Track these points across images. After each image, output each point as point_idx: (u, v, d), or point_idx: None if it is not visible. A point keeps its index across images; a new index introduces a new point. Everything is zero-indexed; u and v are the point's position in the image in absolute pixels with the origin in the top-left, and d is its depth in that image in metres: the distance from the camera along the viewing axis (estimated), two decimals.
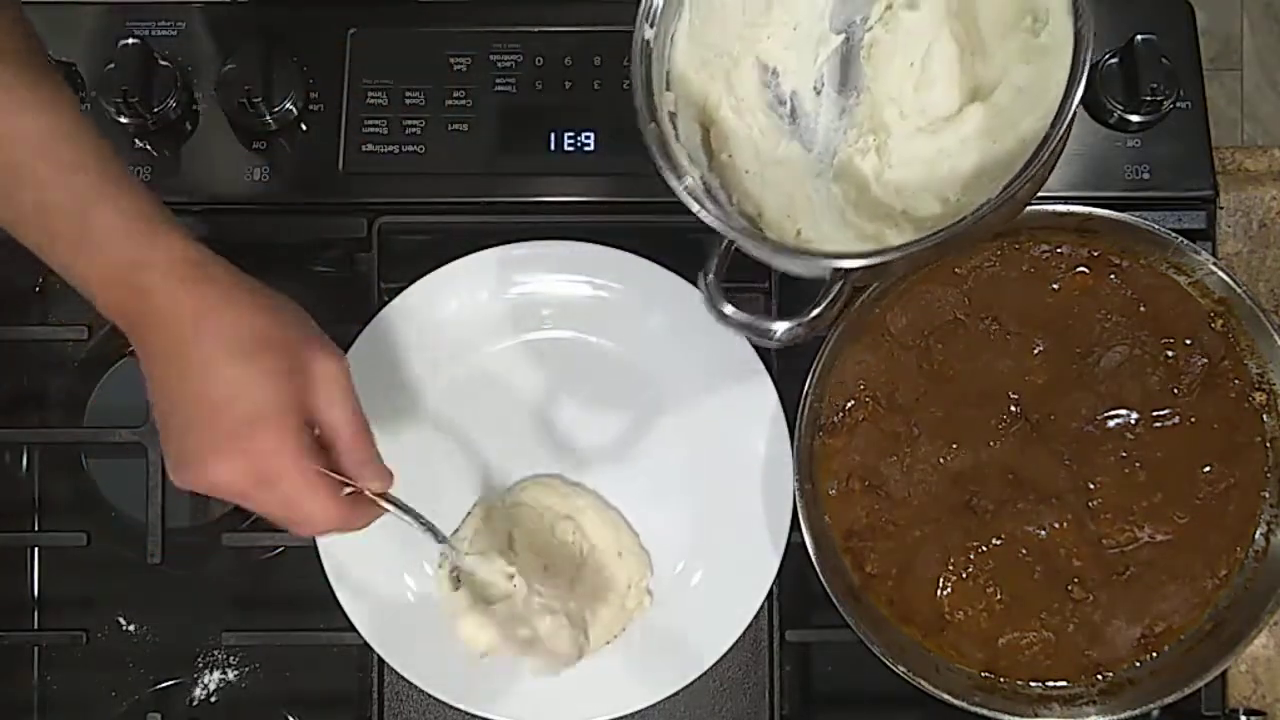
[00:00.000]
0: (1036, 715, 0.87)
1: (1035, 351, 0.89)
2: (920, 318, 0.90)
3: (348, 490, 0.73)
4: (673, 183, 0.70)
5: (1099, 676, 0.89)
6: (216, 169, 0.94)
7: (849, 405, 0.89)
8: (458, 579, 0.86)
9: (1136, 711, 0.86)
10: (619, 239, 0.93)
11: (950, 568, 0.89)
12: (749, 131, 0.77)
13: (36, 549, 1.00)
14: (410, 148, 0.94)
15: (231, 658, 0.99)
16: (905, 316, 0.90)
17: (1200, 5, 0.95)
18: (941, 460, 0.89)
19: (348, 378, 0.73)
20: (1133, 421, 0.89)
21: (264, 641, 0.98)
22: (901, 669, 0.85)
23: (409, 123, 0.94)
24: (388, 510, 0.77)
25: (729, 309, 0.71)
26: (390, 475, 0.75)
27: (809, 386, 0.86)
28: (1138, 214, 0.87)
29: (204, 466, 0.70)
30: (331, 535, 0.78)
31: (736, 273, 0.96)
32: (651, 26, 0.72)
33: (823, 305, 0.70)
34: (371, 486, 0.74)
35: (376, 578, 0.92)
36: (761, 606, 0.91)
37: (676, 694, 0.90)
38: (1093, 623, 0.88)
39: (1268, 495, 0.89)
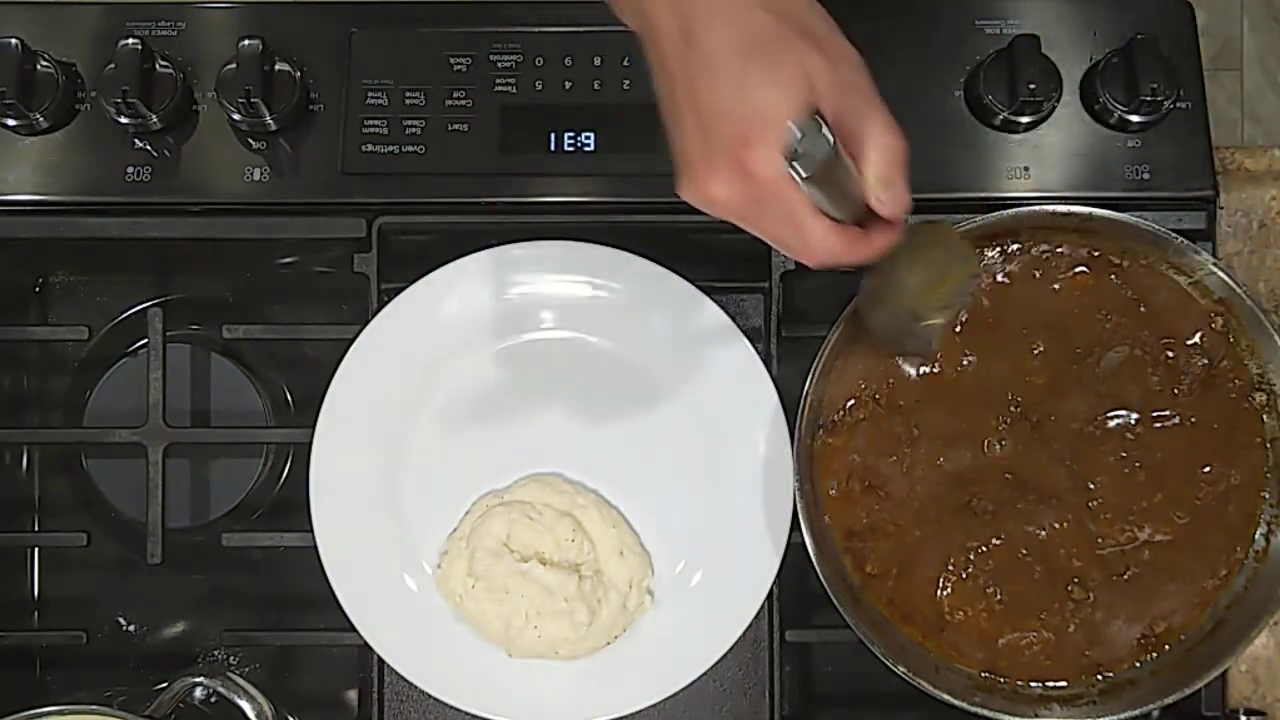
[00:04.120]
0: (1036, 715, 0.87)
1: (1035, 352, 0.89)
2: None
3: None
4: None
5: (1099, 676, 0.89)
6: (216, 169, 0.94)
7: (849, 404, 0.89)
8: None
9: (1136, 711, 0.86)
10: (619, 239, 0.93)
11: (950, 568, 0.89)
12: None
13: (36, 549, 1.00)
14: (410, 148, 0.94)
15: (231, 658, 0.99)
16: None
17: (1200, 5, 0.95)
18: (941, 460, 0.89)
19: (865, 81, 0.66)
20: (1133, 422, 0.89)
21: (264, 641, 0.99)
22: (901, 669, 0.85)
23: (409, 123, 0.94)
24: (890, 242, 0.70)
25: None
26: (907, 201, 0.68)
27: (809, 386, 0.86)
28: (1138, 214, 0.87)
29: (698, 183, 0.66)
30: (829, 263, 0.70)
31: (735, 272, 0.97)
32: None
33: None
34: (883, 209, 0.67)
35: (376, 578, 0.92)
36: (761, 606, 0.91)
37: (676, 694, 0.90)
38: (1093, 623, 0.88)
39: (1268, 495, 0.89)
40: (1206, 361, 0.89)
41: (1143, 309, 0.89)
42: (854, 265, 0.71)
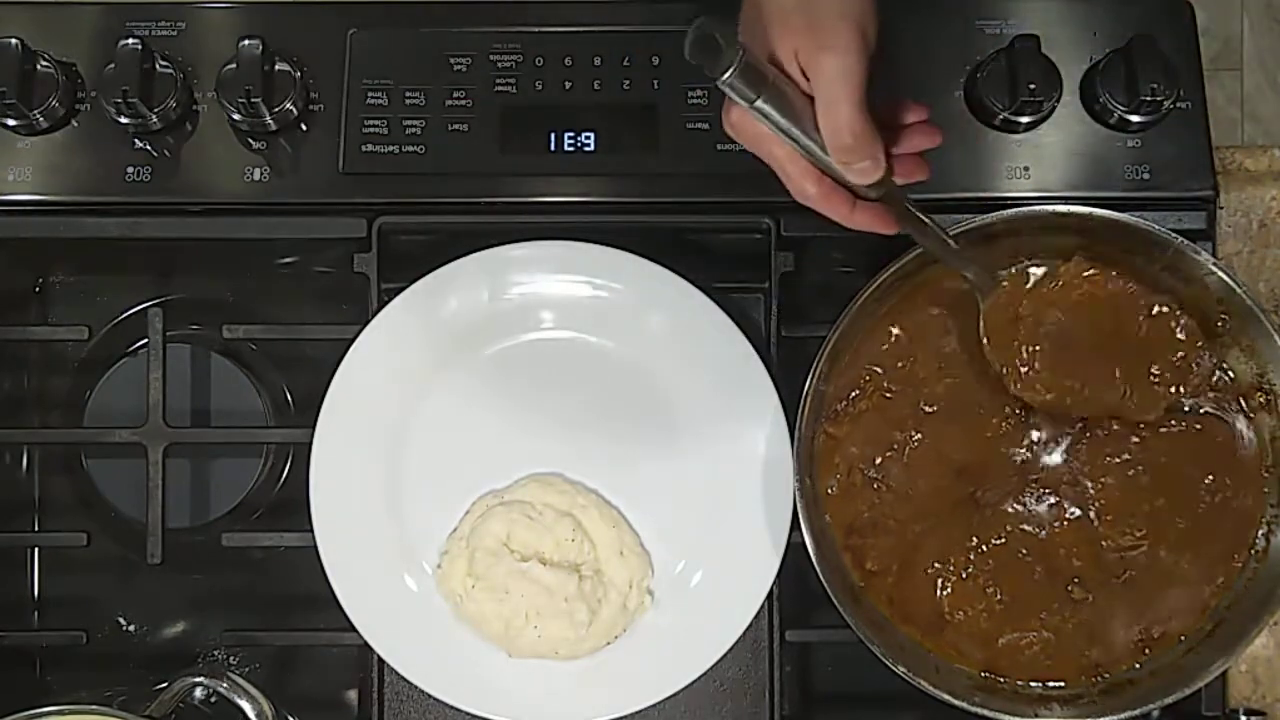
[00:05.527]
0: (1036, 715, 0.87)
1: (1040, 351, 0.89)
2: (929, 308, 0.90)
3: None
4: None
5: (1099, 676, 0.89)
6: (216, 169, 0.94)
7: (853, 395, 0.89)
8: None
9: (1136, 711, 0.86)
10: (619, 239, 0.93)
11: (950, 567, 0.89)
12: None
13: (36, 549, 1.00)
14: (410, 148, 0.94)
15: (231, 658, 0.99)
16: (912, 313, 0.90)
17: (1200, 5, 0.95)
18: (942, 457, 0.89)
19: (840, 69, 0.72)
20: (1141, 425, 0.89)
21: (264, 641, 0.99)
22: (901, 669, 0.85)
23: (409, 123, 0.94)
24: (868, 222, 0.79)
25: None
26: (876, 170, 0.75)
27: (812, 380, 0.85)
28: (1138, 214, 0.87)
29: (724, 110, 0.77)
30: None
31: (735, 272, 0.97)
32: None
33: None
34: (848, 176, 0.75)
35: (376, 578, 0.92)
36: (761, 606, 0.91)
37: (676, 694, 0.90)
38: (1093, 623, 0.88)
39: (1268, 496, 0.89)
40: (1215, 363, 0.88)
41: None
42: (843, 224, 0.79)
